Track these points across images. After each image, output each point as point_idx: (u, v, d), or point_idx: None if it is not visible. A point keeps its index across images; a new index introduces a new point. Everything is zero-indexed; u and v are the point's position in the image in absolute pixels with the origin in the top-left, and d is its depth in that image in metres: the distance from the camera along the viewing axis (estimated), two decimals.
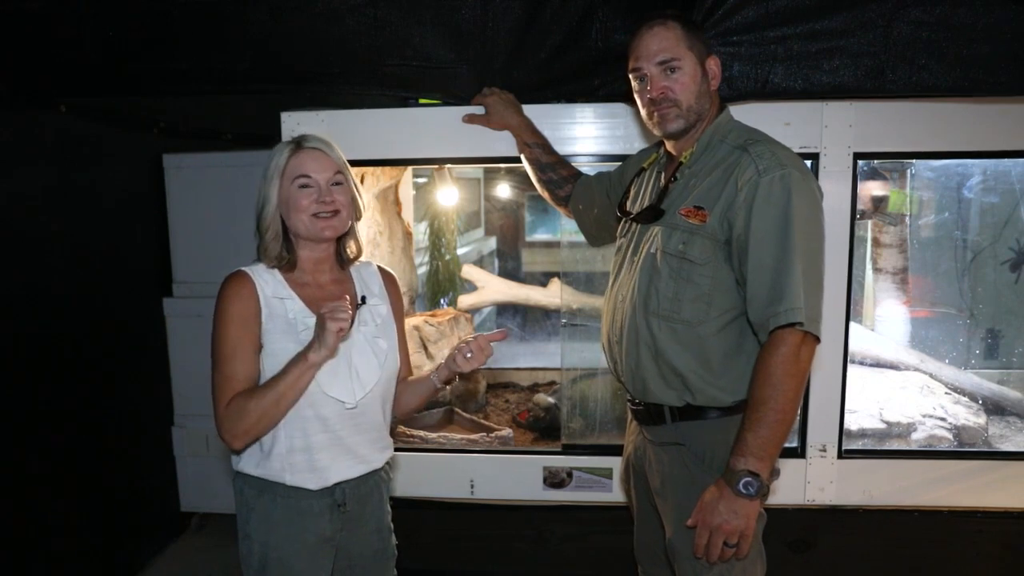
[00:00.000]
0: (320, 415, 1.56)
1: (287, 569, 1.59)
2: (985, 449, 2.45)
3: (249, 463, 1.62)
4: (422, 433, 2.54)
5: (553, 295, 3.03)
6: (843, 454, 2.24)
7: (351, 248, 1.70)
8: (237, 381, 1.52)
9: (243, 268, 1.58)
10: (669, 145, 1.72)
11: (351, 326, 1.52)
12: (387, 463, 1.74)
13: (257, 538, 1.60)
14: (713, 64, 1.64)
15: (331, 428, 1.58)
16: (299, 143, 1.59)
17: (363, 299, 1.62)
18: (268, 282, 1.57)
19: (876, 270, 2.97)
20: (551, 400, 2.72)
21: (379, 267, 1.80)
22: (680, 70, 1.60)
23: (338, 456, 1.60)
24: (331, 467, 1.60)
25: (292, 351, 1.51)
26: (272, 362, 1.53)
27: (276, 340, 1.54)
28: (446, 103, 2.26)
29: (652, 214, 1.67)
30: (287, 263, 1.60)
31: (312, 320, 1.55)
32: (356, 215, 1.67)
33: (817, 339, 1.49)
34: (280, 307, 1.56)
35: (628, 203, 1.84)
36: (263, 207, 1.58)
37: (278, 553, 1.59)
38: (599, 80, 2.18)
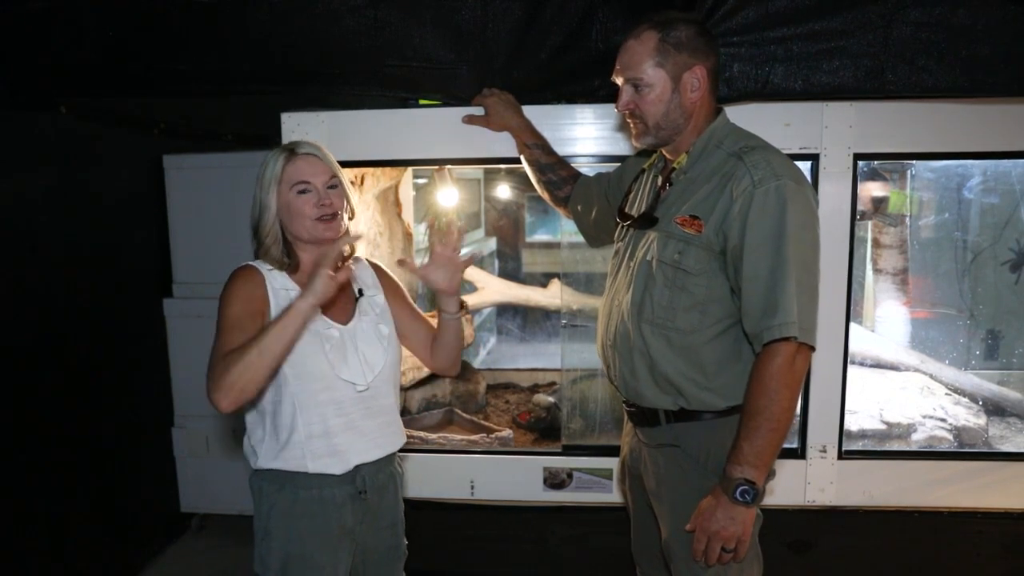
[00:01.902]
0: (335, 399, 1.61)
1: (310, 563, 1.61)
2: (985, 450, 2.45)
3: (267, 457, 1.62)
4: (422, 434, 2.54)
5: (553, 296, 3.03)
6: (843, 455, 2.24)
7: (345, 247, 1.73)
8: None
9: (250, 262, 1.64)
10: (664, 149, 1.71)
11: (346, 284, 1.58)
12: (399, 458, 1.80)
13: (278, 534, 1.61)
14: (694, 76, 1.58)
15: (345, 412, 1.63)
16: (292, 150, 1.63)
17: (360, 292, 1.74)
18: (275, 277, 1.63)
19: (876, 271, 2.97)
20: (551, 400, 2.72)
21: (368, 261, 1.87)
22: (647, 88, 1.59)
23: (355, 439, 1.65)
24: (350, 449, 1.64)
25: (304, 338, 1.56)
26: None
27: None
28: (446, 104, 2.26)
29: (646, 221, 1.67)
30: (288, 267, 1.66)
31: (317, 312, 1.60)
32: (350, 215, 1.73)
33: (812, 348, 1.50)
34: (287, 298, 1.61)
35: (627, 206, 1.83)
36: (261, 214, 1.63)
37: (300, 548, 1.60)
38: (599, 81, 2.17)
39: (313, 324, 1.59)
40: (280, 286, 1.62)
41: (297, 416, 1.59)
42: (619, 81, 1.65)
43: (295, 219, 1.61)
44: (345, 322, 1.67)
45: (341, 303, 1.70)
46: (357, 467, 1.65)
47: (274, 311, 1.58)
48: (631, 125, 1.68)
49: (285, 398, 1.59)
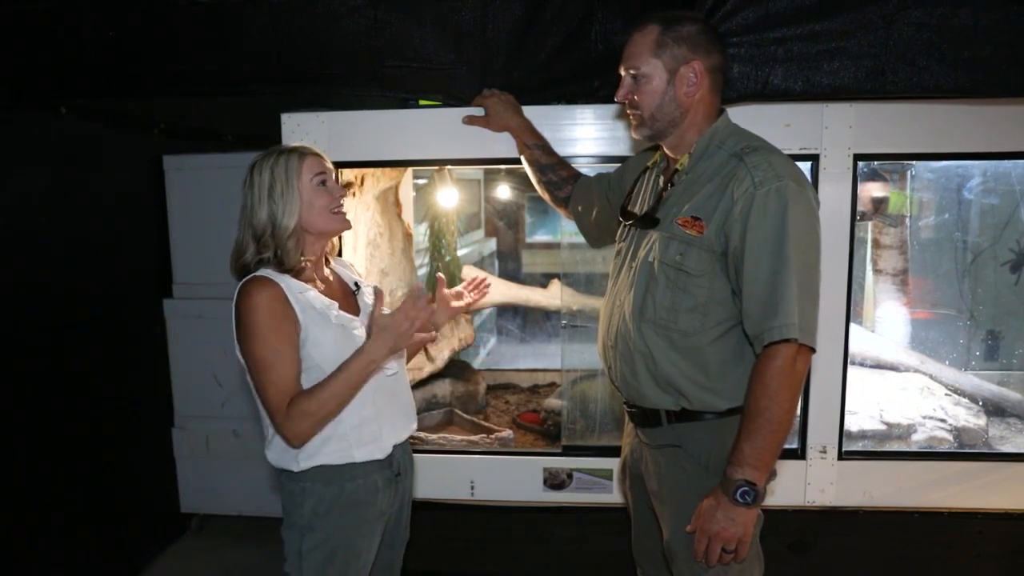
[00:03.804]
0: (370, 386, 1.65)
1: (353, 550, 1.65)
2: (985, 451, 2.45)
3: (309, 457, 1.63)
4: (422, 434, 2.53)
5: (553, 296, 3.03)
6: (843, 455, 2.24)
7: (334, 246, 1.83)
8: (290, 383, 1.56)
9: (259, 274, 1.60)
10: (666, 147, 1.72)
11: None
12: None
13: (323, 527, 1.63)
14: (691, 70, 1.58)
15: (378, 399, 1.68)
16: (296, 150, 1.66)
17: (357, 285, 1.80)
18: (289, 282, 1.62)
19: (876, 271, 2.97)
20: (562, 403, 2.72)
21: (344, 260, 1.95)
22: (643, 78, 1.60)
23: (387, 423, 1.71)
24: (385, 433, 1.70)
25: (333, 337, 1.59)
26: (320, 351, 1.59)
27: (318, 330, 1.60)
28: (446, 104, 2.26)
29: (648, 222, 1.67)
30: (294, 267, 1.65)
31: (334, 307, 1.64)
32: None
33: (812, 349, 1.50)
34: (306, 299, 1.61)
35: (630, 204, 1.83)
36: (281, 219, 1.61)
37: (345, 538, 1.64)
38: (599, 81, 2.18)
39: (337, 320, 1.63)
40: (297, 289, 1.60)
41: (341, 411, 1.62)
42: (621, 71, 1.66)
43: (319, 210, 1.64)
44: (356, 315, 1.72)
45: (346, 299, 1.74)
46: (392, 449, 1.71)
47: (301, 314, 1.58)
48: (630, 116, 1.69)
49: None
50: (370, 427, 1.66)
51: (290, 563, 1.65)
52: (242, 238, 1.64)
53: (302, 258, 1.64)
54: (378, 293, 1.69)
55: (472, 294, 2.12)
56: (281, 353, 1.55)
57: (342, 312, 1.66)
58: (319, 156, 1.68)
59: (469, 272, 3.26)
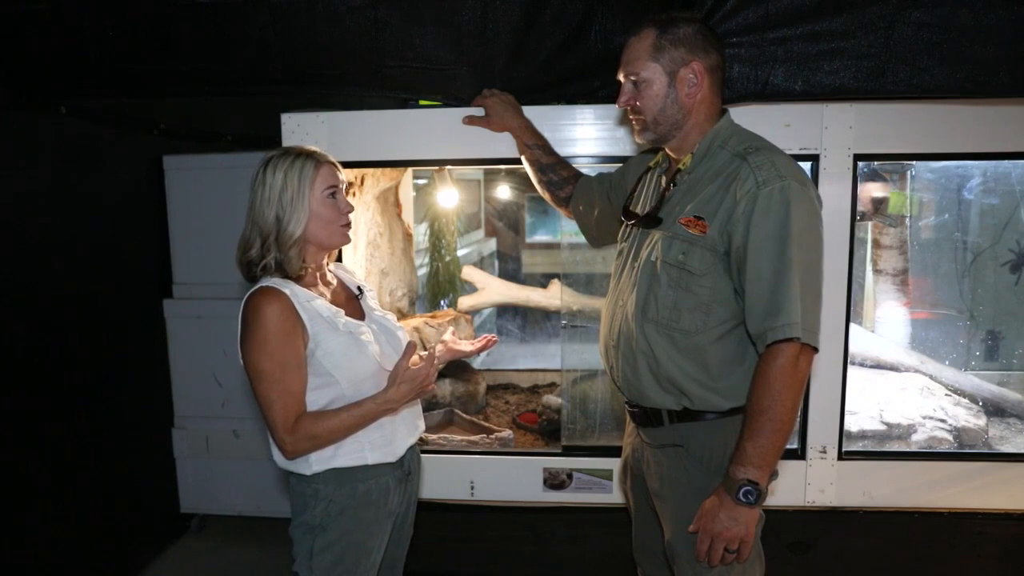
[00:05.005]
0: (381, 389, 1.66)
1: (362, 549, 1.66)
2: (985, 451, 2.45)
3: (323, 460, 1.63)
4: (423, 435, 2.53)
5: (553, 296, 3.03)
6: (843, 456, 2.24)
7: (334, 252, 1.81)
8: (296, 399, 1.56)
9: (266, 284, 1.59)
10: (668, 148, 1.72)
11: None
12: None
13: (335, 527, 1.64)
14: (691, 72, 1.58)
15: None
16: (313, 155, 1.64)
17: (360, 289, 1.81)
18: (296, 291, 1.60)
19: (876, 272, 2.97)
20: (561, 401, 2.72)
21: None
22: (644, 83, 1.61)
23: (398, 425, 1.72)
24: (396, 436, 1.71)
25: (342, 344, 1.59)
26: (330, 360, 1.59)
27: (328, 339, 1.59)
28: (446, 105, 2.26)
29: (650, 221, 1.67)
30: (300, 273, 1.64)
31: (341, 314, 1.64)
32: None
33: (815, 349, 1.50)
34: (314, 308, 1.60)
35: (632, 204, 1.84)
36: (287, 224, 1.59)
37: (355, 537, 1.65)
38: (599, 81, 2.18)
39: (346, 327, 1.62)
40: (305, 299, 1.59)
41: None
42: (621, 77, 1.66)
43: (325, 224, 1.62)
44: (362, 319, 1.72)
45: (350, 304, 1.75)
46: (404, 452, 1.73)
47: (310, 324, 1.57)
48: (633, 121, 1.69)
49: (337, 401, 1.61)
50: (384, 431, 1.67)
51: (299, 562, 1.65)
52: (248, 234, 1.63)
53: (303, 264, 1.63)
54: (410, 346, 1.68)
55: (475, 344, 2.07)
56: (289, 368, 1.54)
57: (349, 319, 1.65)
58: (333, 166, 1.66)
59: (469, 272, 3.27)
